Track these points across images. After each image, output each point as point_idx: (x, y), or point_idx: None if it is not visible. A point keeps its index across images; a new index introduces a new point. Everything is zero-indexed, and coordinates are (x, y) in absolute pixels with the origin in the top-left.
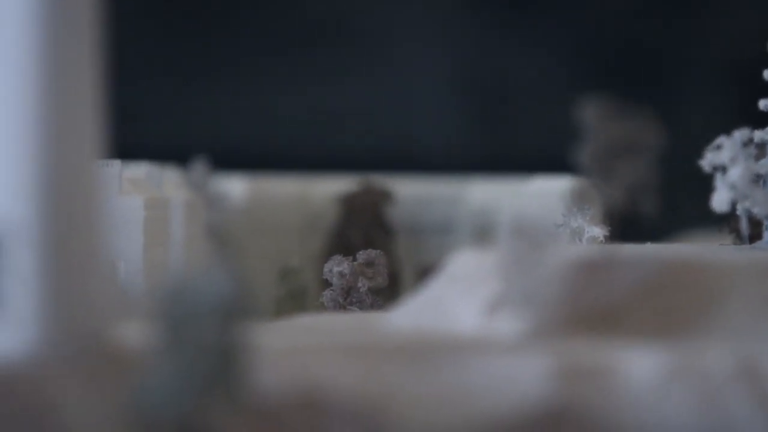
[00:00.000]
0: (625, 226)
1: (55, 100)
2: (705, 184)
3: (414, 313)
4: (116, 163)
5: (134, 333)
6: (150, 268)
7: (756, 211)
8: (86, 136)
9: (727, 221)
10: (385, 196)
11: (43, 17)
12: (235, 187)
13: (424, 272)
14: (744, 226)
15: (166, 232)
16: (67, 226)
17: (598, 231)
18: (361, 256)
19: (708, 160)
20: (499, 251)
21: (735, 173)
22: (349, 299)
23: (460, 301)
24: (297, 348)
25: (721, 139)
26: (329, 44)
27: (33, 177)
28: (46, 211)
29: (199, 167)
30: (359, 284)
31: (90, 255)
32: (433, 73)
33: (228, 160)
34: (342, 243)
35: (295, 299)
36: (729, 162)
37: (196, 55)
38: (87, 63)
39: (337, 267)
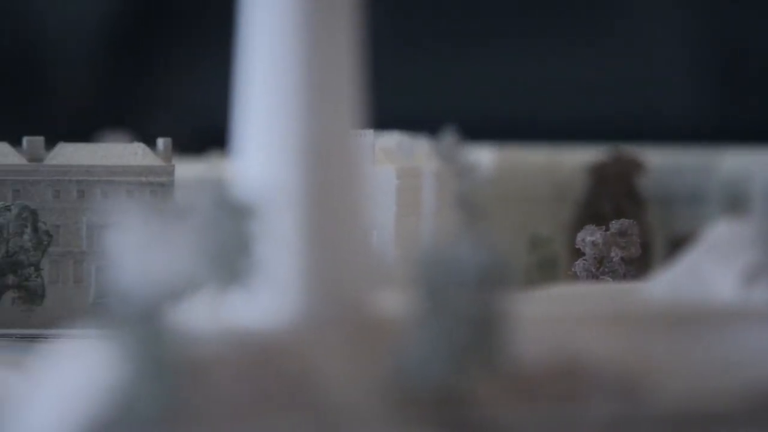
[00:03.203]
0: None
1: (316, 71)
2: None
3: (671, 283)
4: (369, 133)
5: (391, 301)
6: (402, 237)
7: None
8: (345, 105)
9: None
10: (636, 166)
11: None
12: (484, 157)
13: (676, 242)
14: None
15: (418, 201)
16: (327, 194)
17: None
18: (614, 225)
19: None
20: (755, 221)
21: None
22: (601, 269)
23: (718, 271)
24: (553, 317)
25: None
26: (573, 13)
27: (294, 146)
28: (307, 179)
29: (449, 137)
30: (612, 254)
31: (349, 223)
32: (680, 40)
33: (477, 130)
34: (592, 213)
35: (545, 269)
36: None
37: (446, 27)
38: (345, 34)
39: (590, 237)
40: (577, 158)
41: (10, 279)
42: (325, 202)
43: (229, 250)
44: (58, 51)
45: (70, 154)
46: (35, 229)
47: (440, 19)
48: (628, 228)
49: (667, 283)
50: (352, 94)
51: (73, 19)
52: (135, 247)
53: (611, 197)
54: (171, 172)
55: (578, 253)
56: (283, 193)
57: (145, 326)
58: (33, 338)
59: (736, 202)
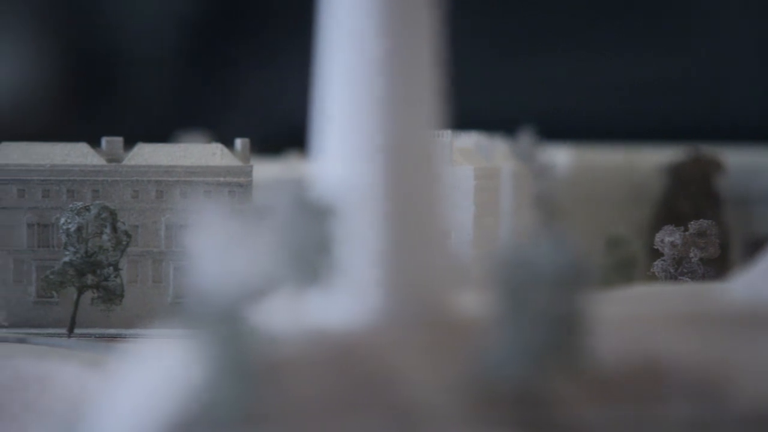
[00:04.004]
0: None
1: (396, 71)
2: None
3: (749, 284)
4: (447, 134)
5: (470, 301)
6: (480, 237)
7: None
8: (425, 106)
9: None
10: (715, 166)
11: None
12: (562, 157)
13: (755, 243)
14: None
15: (496, 201)
16: (407, 195)
17: None
18: (693, 226)
19: None
20: None
21: None
22: (680, 269)
23: None
24: (633, 318)
25: None
26: (651, 14)
27: (375, 147)
28: (387, 180)
29: (526, 138)
30: (691, 254)
31: (428, 224)
32: (759, 40)
33: (554, 131)
34: (670, 213)
35: (622, 269)
36: None
37: (524, 27)
38: (425, 35)
39: (669, 237)
40: (655, 158)
41: (90, 279)
42: (404, 203)
43: (309, 251)
44: (137, 52)
45: (149, 154)
46: (114, 230)
47: (518, 20)
48: (707, 228)
49: (746, 284)
50: (431, 94)
51: (151, 21)
52: (215, 248)
53: (689, 197)
54: (249, 173)
55: (656, 254)
56: (363, 194)
57: (225, 326)
58: (112, 338)
59: None
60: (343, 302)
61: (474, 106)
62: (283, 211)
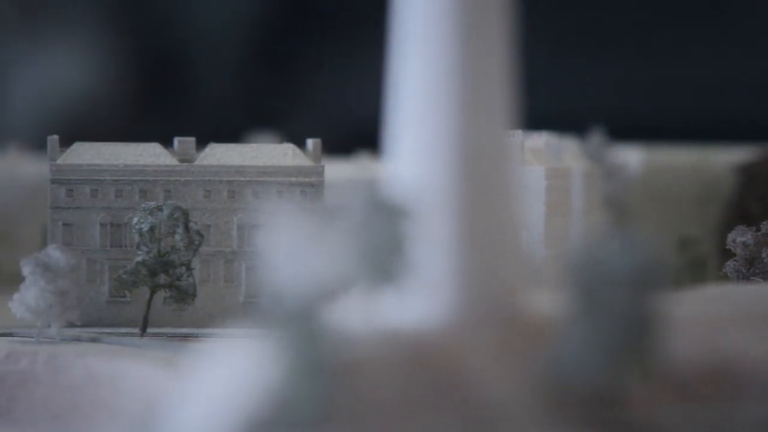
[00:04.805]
0: None
1: (469, 71)
2: None
3: None
4: (518, 134)
5: (542, 301)
6: (551, 237)
7: None
8: (498, 106)
9: None
10: None
11: None
12: (633, 157)
13: None
14: None
15: (567, 201)
16: (480, 195)
17: None
18: (765, 226)
19: None
20: None
21: None
22: (752, 270)
23: None
24: (705, 318)
25: None
26: (724, 13)
27: (448, 147)
28: (460, 180)
29: (596, 137)
30: (763, 254)
31: (501, 224)
32: None
33: (624, 131)
34: (741, 213)
35: (694, 269)
36: None
37: (593, 26)
38: (497, 35)
39: (741, 237)
40: (727, 158)
41: (162, 278)
42: (478, 203)
43: (383, 251)
44: (209, 52)
45: (221, 154)
46: (187, 229)
47: (589, 18)
48: None
49: None
50: (504, 94)
51: (222, 21)
52: (290, 248)
53: (761, 198)
54: (320, 173)
55: (728, 254)
56: (436, 194)
57: (300, 326)
58: (184, 337)
59: None
60: (417, 302)
61: (545, 105)
62: (356, 211)
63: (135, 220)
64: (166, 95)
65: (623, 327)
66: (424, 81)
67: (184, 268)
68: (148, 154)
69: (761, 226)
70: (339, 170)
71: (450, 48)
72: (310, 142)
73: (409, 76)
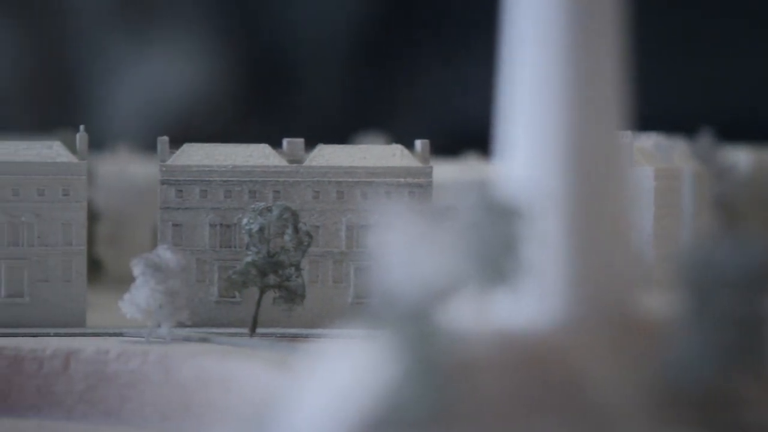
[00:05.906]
0: None
1: (581, 72)
2: None
3: None
4: (628, 134)
5: (653, 302)
6: (661, 238)
7: None
8: (609, 107)
9: None
10: None
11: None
12: (743, 158)
13: None
14: None
15: (677, 202)
16: (593, 196)
17: None
18: None
19: None
20: None
21: None
22: None
23: None
24: None
25: None
26: None
27: (560, 148)
28: (573, 181)
29: (706, 139)
30: None
31: (613, 225)
32: None
33: (734, 132)
34: None
35: None
36: None
37: (703, 27)
38: (609, 36)
39: None
40: None
41: (272, 279)
42: (590, 204)
43: (496, 252)
44: (318, 53)
45: (329, 155)
46: (296, 230)
47: (699, 19)
48: None
49: None
50: (615, 95)
51: (331, 23)
52: (401, 248)
53: None
54: (429, 174)
55: None
56: (549, 195)
57: (414, 327)
58: (293, 338)
59: None
60: (530, 304)
61: (654, 106)
62: (468, 212)
63: (245, 220)
64: (274, 97)
65: (736, 328)
66: (536, 82)
67: (293, 268)
68: (257, 155)
69: None
70: (447, 171)
71: (562, 48)
72: (419, 143)
73: (521, 78)
